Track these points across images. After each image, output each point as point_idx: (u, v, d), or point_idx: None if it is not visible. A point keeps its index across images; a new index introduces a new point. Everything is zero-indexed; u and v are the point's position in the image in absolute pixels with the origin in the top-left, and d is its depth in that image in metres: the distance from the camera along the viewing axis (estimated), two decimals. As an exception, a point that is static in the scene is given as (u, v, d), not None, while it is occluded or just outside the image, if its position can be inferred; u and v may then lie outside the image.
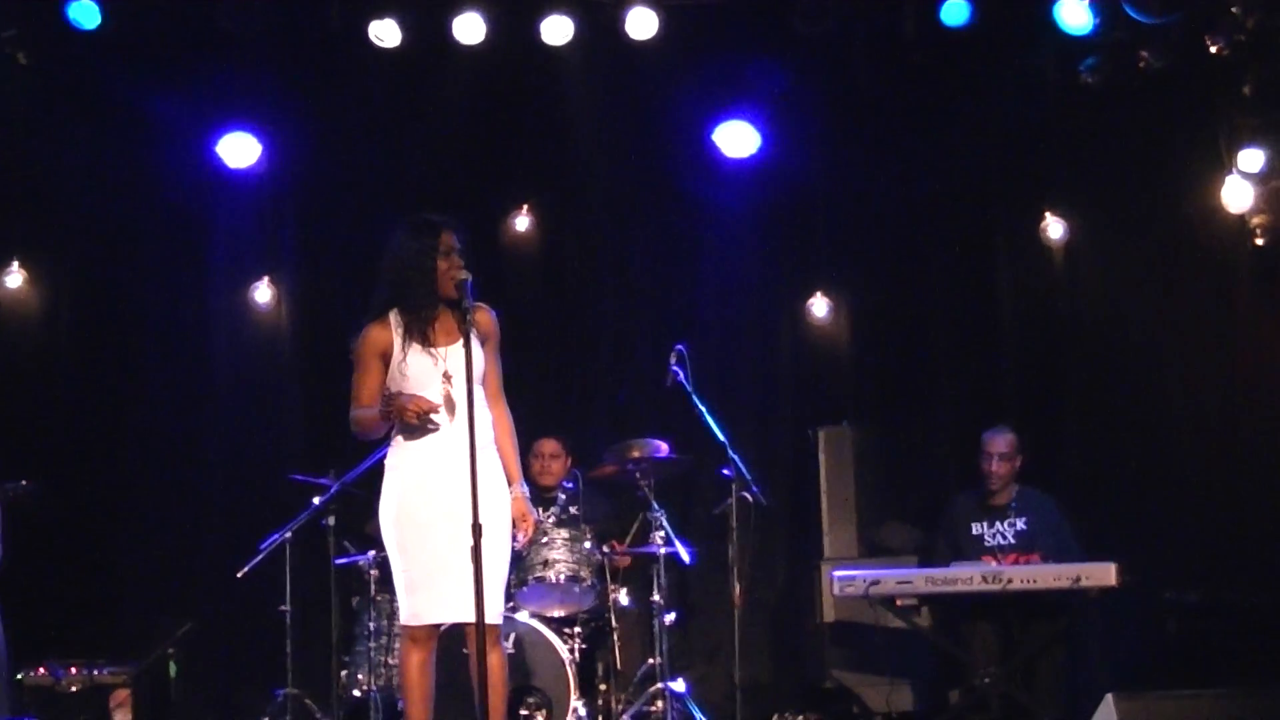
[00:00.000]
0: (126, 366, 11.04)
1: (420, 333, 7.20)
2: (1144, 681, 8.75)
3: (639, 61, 10.83)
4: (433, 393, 7.12)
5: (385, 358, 7.23)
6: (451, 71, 10.89)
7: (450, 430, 7.09)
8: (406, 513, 7.22)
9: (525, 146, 11.23)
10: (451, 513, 6.93)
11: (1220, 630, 9.76)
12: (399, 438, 7.28)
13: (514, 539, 7.30)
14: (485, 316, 7.29)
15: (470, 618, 6.64)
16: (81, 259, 11.01)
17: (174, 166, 10.84)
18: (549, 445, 10.14)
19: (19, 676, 9.56)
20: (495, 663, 7.16)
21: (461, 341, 6.99)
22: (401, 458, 7.27)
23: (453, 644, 7.67)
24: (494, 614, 7.11)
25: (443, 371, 7.12)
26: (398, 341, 7.20)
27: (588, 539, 9.39)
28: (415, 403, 7.04)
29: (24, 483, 9.07)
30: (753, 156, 11.10)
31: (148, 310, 11.05)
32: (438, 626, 7.25)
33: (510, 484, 7.31)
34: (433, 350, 7.17)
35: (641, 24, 10.49)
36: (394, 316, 7.24)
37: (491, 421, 7.30)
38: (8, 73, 10.33)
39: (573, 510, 9.48)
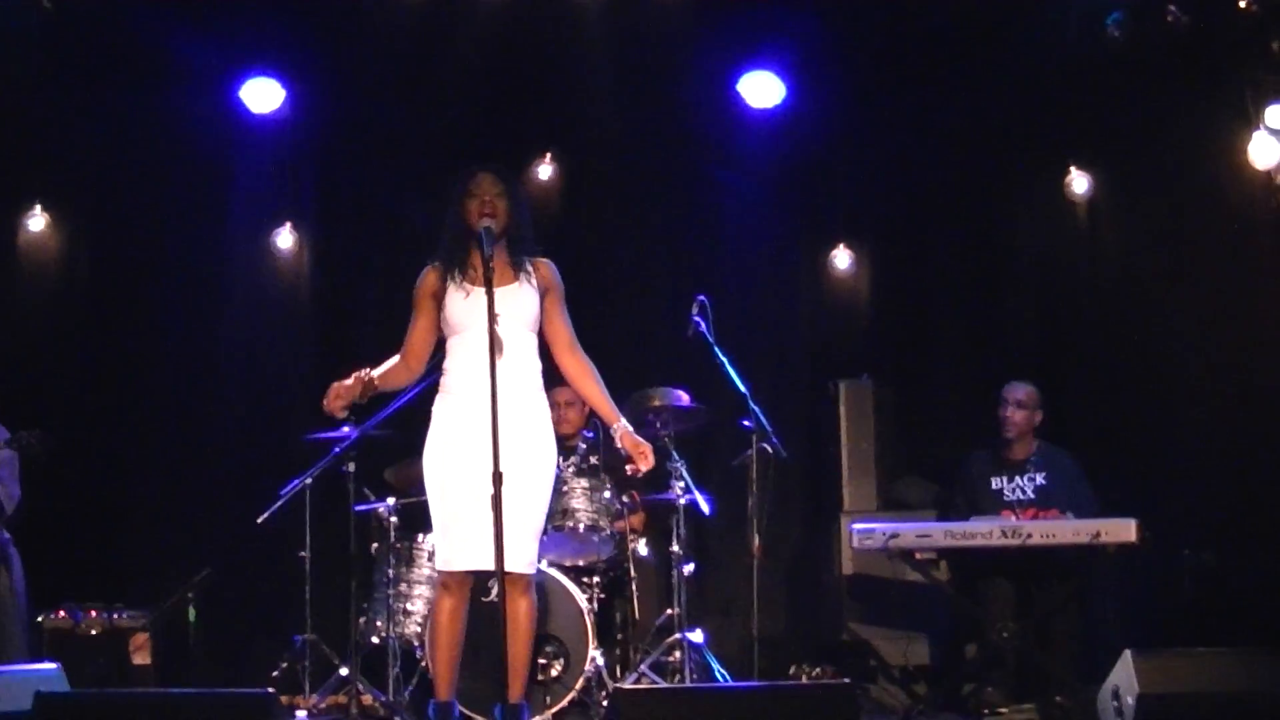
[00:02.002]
0: (146, 311, 11.05)
1: (461, 274, 7.24)
2: (1160, 640, 8.73)
3: (663, 10, 10.80)
4: (476, 332, 7.10)
5: (437, 300, 7.30)
6: (475, 19, 10.88)
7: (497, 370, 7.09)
8: (445, 457, 7.28)
9: (548, 95, 11.20)
10: (487, 459, 6.92)
11: (1237, 590, 9.76)
12: (444, 385, 7.36)
13: (637, 471, 7.50)
14: (545, 270, 7.39)
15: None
16: (103, 203, 11.01)
17: (197, 111, 10.83)
18: (565, 393, 10.11)
19: (39, 619, 9.61)
20: (524, 610, 7.22)
21: (511, 284, 7.07)
22: (444, 403, 7.35)
23: (476, 592, 7.67)
24: (524, 563, 7.14)
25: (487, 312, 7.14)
26: (442, 285, 7.26)
27: (607, 488, 9.39)
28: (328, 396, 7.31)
29: (37, 431, 9.10)
30: (777, 107, 11.10)
31: (168, 255, 11.05)
32: (471, 574, 7.27)
33: (611, 423, 7.47)
34: (473, 288, 7.20)
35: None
36: (442, 260, 7.36)
37: (578, 373, 7.52)
38: (32, 18, 10.30)
39: (592, 460, 9.48)
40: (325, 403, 7.30)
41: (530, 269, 7.32)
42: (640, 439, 7.43)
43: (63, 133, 10.76)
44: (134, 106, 10.73)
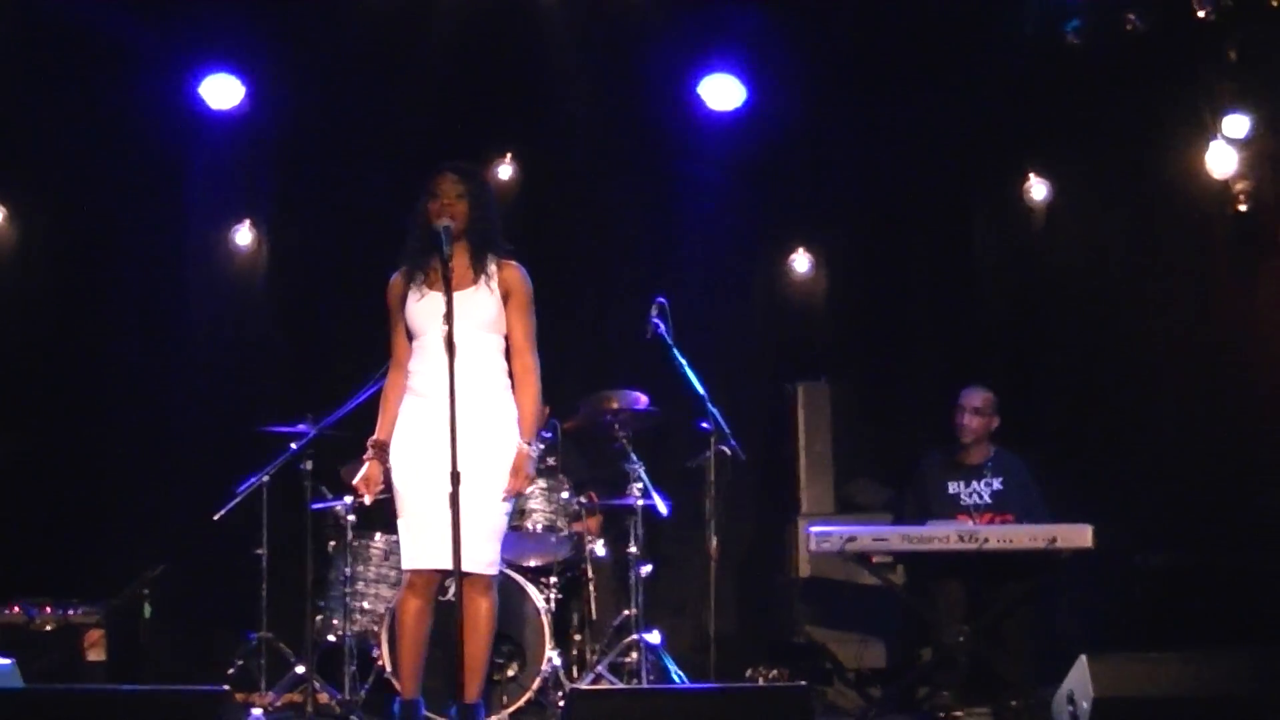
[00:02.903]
0: (104, 306, 11.00)
1: (421, 276, 7.25)
2: (1115, 644, 8.77)
3: (625, 12, 10.81)
4: (432, 335, 7.15)
5: (402, 304, 7.36)
6: (436, 18, 10.86)
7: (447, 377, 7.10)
8: (408, 457, 7.29)
9: (509, 95, 11.19)
10: (443, 459, 6.94)
11: (1191, 594, 9.81)
12: (409, 386, 7.40)
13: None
14: (511, 273, 7.37)
15: (465, 565, 6.66)
16: (61, 197, 10.94)
17: (157, 106, 10.79)
18: None
19: (-8, 614, 9.59)
20: (484, 611, 7.23)
21: (470, 289, 7.08)
22: (407, 405, 7.38)
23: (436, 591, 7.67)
24: (483, 564, 7.15)
25: (443, 313, 7.12)
26: (405, 288, 7.29)
27: (565, 489, 9.40)
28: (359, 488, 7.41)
29: None
30: (737, 110, 11.09)
31: (127, 250, 11.00)
32: (437, 574, 7.27)
33: (521, 436, 7.35)
34: (433, 293, 7.23)
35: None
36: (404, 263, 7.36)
37: (517, 380, 7.42)
38: (-10, 11, 10.29)
39: (550, 461, 9.49)
40: (362, 493, 7.38)
41: (492, 271, 7.29)
42: (527, 467, 7.36)
43: (21, 126, 10.70)
44: (94, 101, 10.70)
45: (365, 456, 7.38)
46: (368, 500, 7.40)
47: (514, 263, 7.41)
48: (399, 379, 7.44)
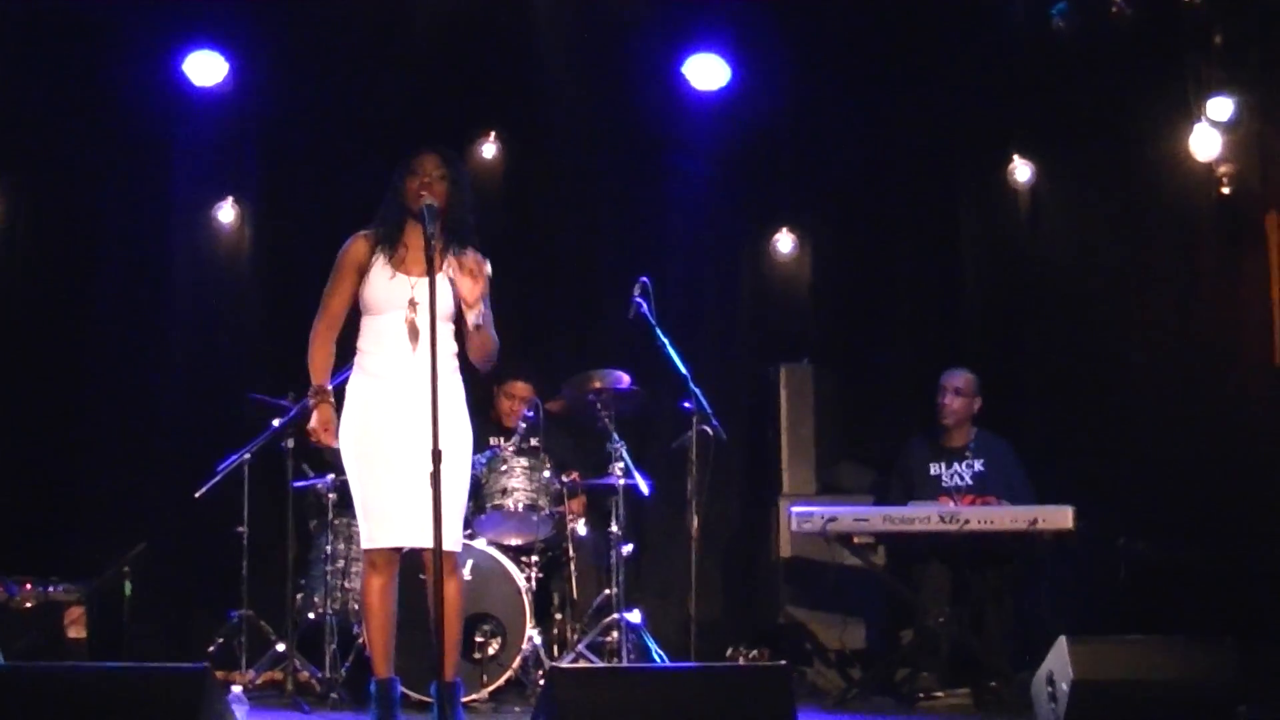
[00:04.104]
0: (86, 284, 10.97)
1: (390, 254, 7.20)
2: (1095, 627, 8.78)
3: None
4: (393, 318, 7.13)
5: (360, 273, 7.22)
6: (421, -2, 10.88)
7: (412, 359, 7.08)
8: (365, 438, 7.21)
9: (493, 74, 11.16)
10: (410, 439, 6.95)
11: (1172, 578, 9.81)
12: (360, 364, 7.28)
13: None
14: (474, 264, 7.24)
15: (427, 543, 6.62)
16: (44, 173, 10.90)
17: (140, 83, 10.75)
18: (522, 388, 10.10)
19: (-28, 592, 9.58)
20: (452, 590, 7.18)
21: (438, 275, 7.00)
22: (362, 384, 7.26)
23: (410, 570, 7.67)
24: (452, 541, 7.12)
25: (409, 299, 7.11)
26: (369, 258, 7.21)
27: (546, 468, 9.40)
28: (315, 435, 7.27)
29: None
30: (721, 90, 11.08)
31: (110, 226, 10.97)
32: (397, 552, 7.25)
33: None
34: (399, 273, 7.17)
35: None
36: (375, 234, 7.26)
37: (457, 352, 7.31)
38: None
39: (533, 440, 9.50)
40: (320, 439, 7.27)
41: (458, 260, 7.19)
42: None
43: (3, 103, 10.66)
44: (76, 77, 10.66)
45: (313, 403, 7.28)
46: (335, 444, 7.30)
47: (476, 254, 7.29)
48: (332, 337, 7.31)
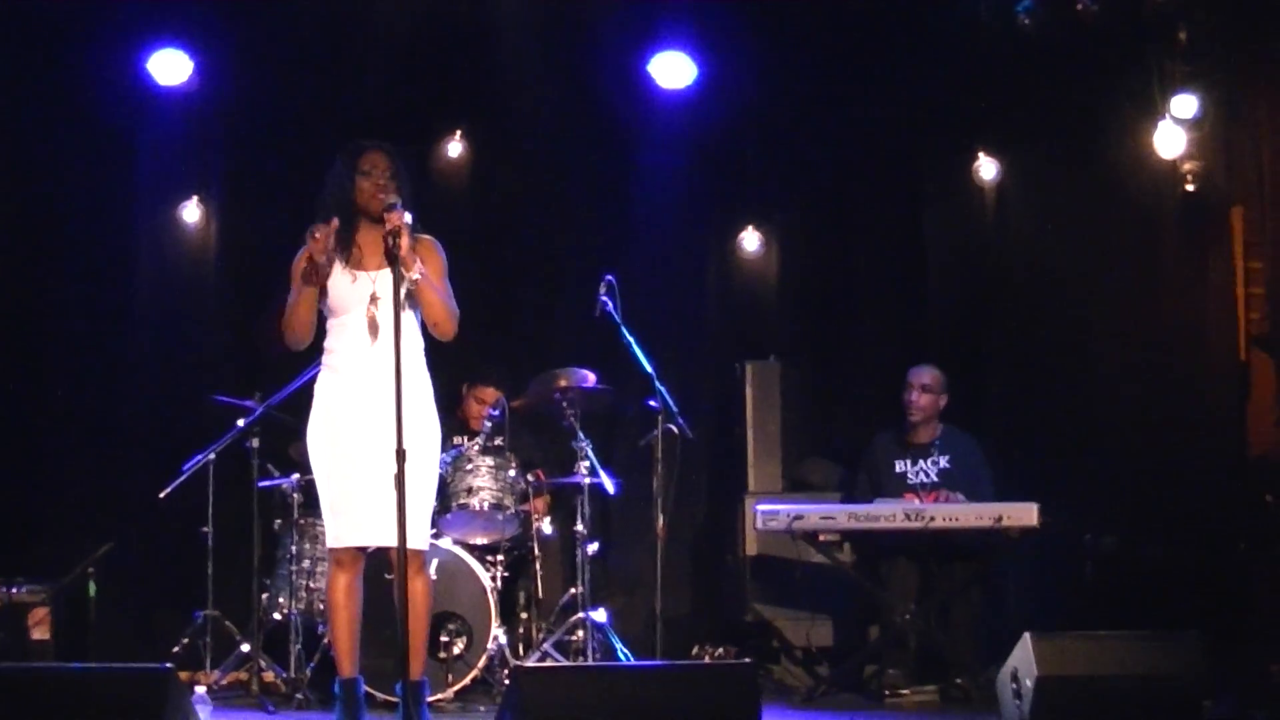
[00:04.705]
0: (49, 282, 10.91)
1: (344, 253, 7.17)
2: (1061, 623, 8.79)
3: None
4: (356, 315, 7.11)
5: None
6: (387, -5, 10.85)
7: (374, 353, 7.06)
8: (330, 435, 7.20)
9: (459, 72, 11.14)
10: (374, 436, 6.93)
11: (1138, 574, 9.85)
12: (326, 360, 7.27)
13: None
14: (426, 247, 7.23)
15: (393, 542, 6.60)
16: (6, 173, 10.83)
17: (104, 81, 10.69)
18: (491, 393, 10.08)
19: (-64, 593, 9.54)
20: (420, 589, 7.17)
21: (388, 268, 6.97)
22: (327, 380, 7.26)
23: (377, 569, 7.67)
24: (418, 540, 7.11)
25: (370, 294, 7.10)
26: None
27: (512, 467, 9.39)
28: (312, 246, 7.02)
29: None
30: (688, 88, 11.07)
31: (73, 226, 10.90)
32: (362, 550, 7.24)
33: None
34: (358, 272, 7.15)
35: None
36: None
37: (423, 349, 7.29)
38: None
39: (498, 440, 9.49)
40: (319, 250, 7.03)
41: (396, 245, 7.13)
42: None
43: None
44: (40, 74, 10.60)
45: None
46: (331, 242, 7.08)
47: (429, 237, 7.30)
48: (298, 341, 7.22)
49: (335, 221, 7.04)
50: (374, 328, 7.06)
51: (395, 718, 7.23)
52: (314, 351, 7.36)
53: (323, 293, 7.18)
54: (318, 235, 7.02)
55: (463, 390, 10.20)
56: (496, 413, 9.61)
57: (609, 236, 11.22)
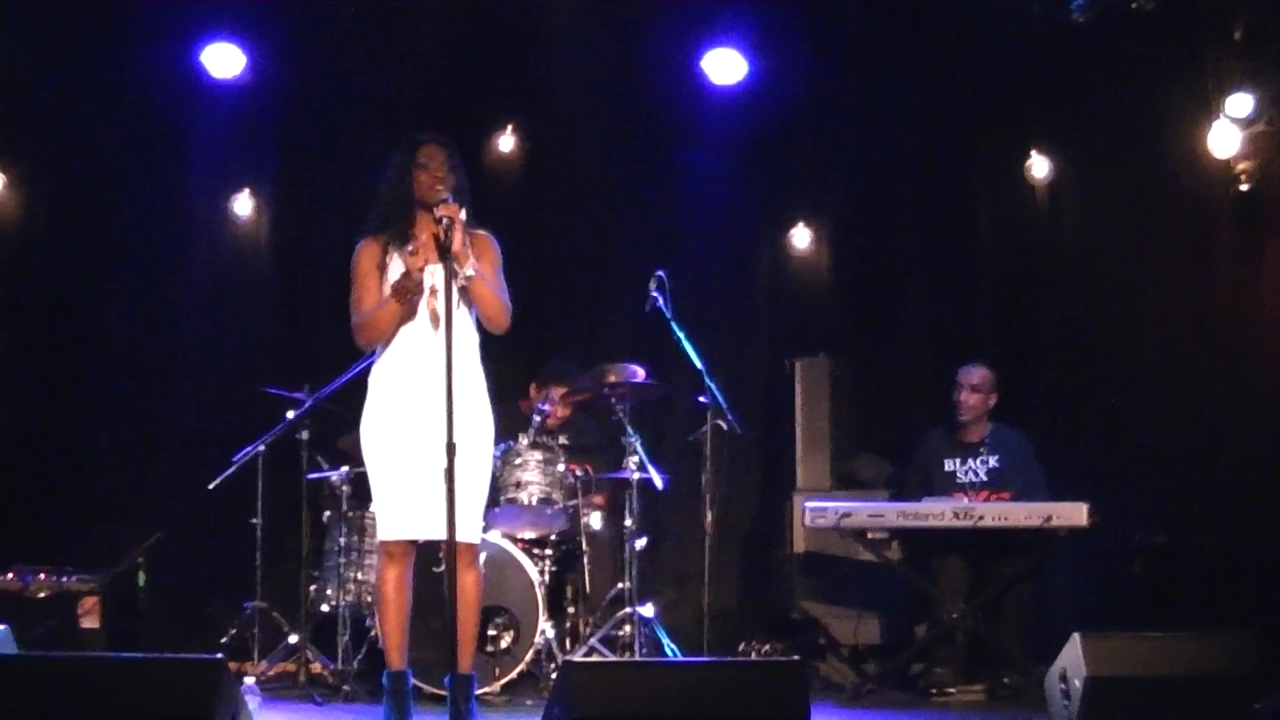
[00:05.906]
0: (103, 273, 10.98)
1: (402, 246, 7.20)
2: (1110, 622, 8.75)
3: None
4: (415, 307, 7.13)
5: (382, 272, 7.24)
6: (439, -11, 10.86)
7: (433, 345, 7.07)
8: (385, 428, 7.23)
9: (511, 66, 11.16)
10: (429, 429, 6.94)
11: (1186, 573, 9.79)
12: (382, 353, 7.29)
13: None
14: (481, 242, 7.27)
15: (443, 535, 6.61)
16: (62, 165, 10.91)
17: (158, 75, 10.75)
18: (559, 392, 10.06)
19: (-13, 581, 9.58)
20: (470, 582, 7.20)
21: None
22: (384, 373, 7.28)
23: (425, 562, 7.68)
24: (470, 534, 7.12)
25: (429, 286, 7.11)
26: (384, 257, 7.21)
27: (561, 461, 9.39)
28: (407, 276, 7.08)
29: None
30: (739, 84, 11.05)
31: (127, 217, 10.97)
32: (414, 543, 7.26)
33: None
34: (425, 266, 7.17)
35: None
36: (385, 232, 7.27)
37: (478, 343, 7.31)
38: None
39: (560, 436, 9.51)
40: (417, 267, 7.13)
41: (468, 242, 7.18)
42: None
43: (22, 92, 10.68)
44: (94, 67, 10.66)
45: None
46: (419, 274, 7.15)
47: (485, 232, 7.34)
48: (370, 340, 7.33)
49: (449, 216, 6.98)
50: (435, 320, 7.08)
51: (443, 712, 7.23)
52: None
53: (383, 286, 7.23)
54: (415, 251, 7.07)
55: (531, 387, 10.19)
56: (545, 406, 9.61)
57: (660, 232, 11.22)
